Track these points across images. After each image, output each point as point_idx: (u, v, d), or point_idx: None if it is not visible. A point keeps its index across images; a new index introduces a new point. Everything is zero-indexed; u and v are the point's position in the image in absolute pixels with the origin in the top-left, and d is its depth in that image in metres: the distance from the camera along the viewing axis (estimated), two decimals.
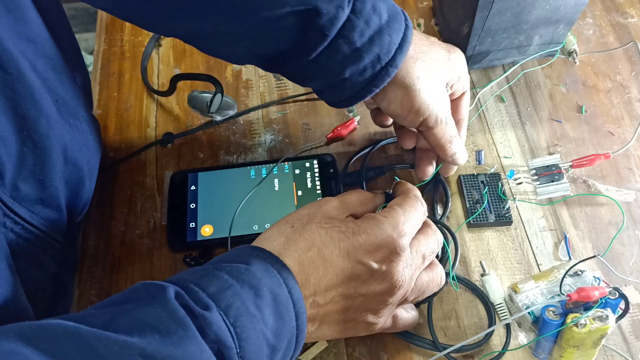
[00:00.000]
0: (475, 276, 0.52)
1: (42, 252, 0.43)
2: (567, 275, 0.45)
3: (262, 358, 0.35)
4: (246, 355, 0.33)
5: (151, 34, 0.69)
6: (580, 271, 0.46)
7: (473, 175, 0.56)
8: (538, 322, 0.45)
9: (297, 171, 0.57)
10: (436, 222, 0.48)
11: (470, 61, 0.63)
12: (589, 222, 0.54)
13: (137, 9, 0.45)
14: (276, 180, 0.57)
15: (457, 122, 0.52)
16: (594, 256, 0.51)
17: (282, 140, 0.61)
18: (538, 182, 0.56)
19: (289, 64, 0.47)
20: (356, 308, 0.42)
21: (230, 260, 0.38)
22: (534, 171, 0.56)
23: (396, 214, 0.43)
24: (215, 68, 0.67)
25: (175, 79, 0.60)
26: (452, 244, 0.50)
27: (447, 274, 0.47)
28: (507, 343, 0.48)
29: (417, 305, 0.49)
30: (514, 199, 0.56)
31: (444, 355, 0.47)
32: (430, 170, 0.55)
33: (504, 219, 0.54)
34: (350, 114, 0.62)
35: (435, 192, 0.56)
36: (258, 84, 0.66)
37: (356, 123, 0.61)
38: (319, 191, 0.56)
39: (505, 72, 0.64)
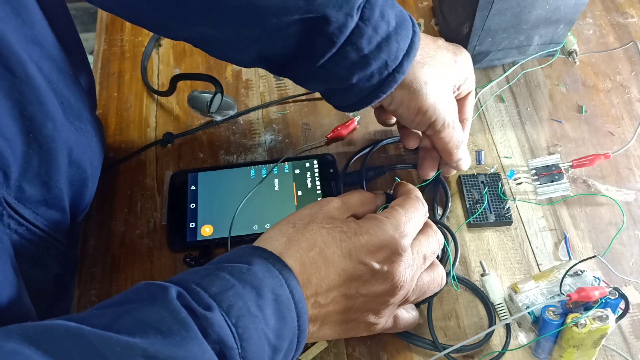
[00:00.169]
0: (475, 276, 0.52)
1: (45, 253, 0.44)
2: (567, 275, 0.45)
3: (263, 358, 0.35)
4: (248, 356, 0.33)
5: (151, 33, 0.69)
6: (580, 271, 0.46)
7: (473, 175, 0.56)
8: (538, 322, 0.45)
9: (297, 171, 0.57)
10: (436, 222, 0.48)
11: None
12: (589, 222, 0.54)
13: (148, 14, 0.45)
14: (276, 180, 0.57)
15: (462, 121, 0.53)
16: (594, 256, 0.51)
17: (282, 140, 0.61)
18: (538, 182, 0.56)
19: (297, 69, 0.47)
20: (357, 308, 0.42)
21: (231, 261, 0.38)
22: (534, 171, 0.56)
23: (398, 214, 0.43)
24: (215, 68, 0.67)
25: (175, 79, 0.60)
26: (452, 244, 0.50)
27: (447, 274, 0.47)
28: (507, 343, 0.48)
29: (417, 305, 0.49)
30: (514, 199, 0.56)
31: (444, 355, 0.47)
32: (433, 169, 0.55)
33: (504, 219, 0.54)
34: (350, 114, 0.62)
35: (435, 192, 0.56)
36: (258, 84, 0.66)
37: (356, 123, 0.61)
38: (319, 191, 0.56)
39: (505, 72, 0.64)
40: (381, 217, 0.43)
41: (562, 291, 0.45)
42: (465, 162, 0.53)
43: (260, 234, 0.42)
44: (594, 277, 0.45)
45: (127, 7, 0.45)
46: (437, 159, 0.55)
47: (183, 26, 0.45)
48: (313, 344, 0.48)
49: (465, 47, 0.60)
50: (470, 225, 0.54)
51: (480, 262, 0.51)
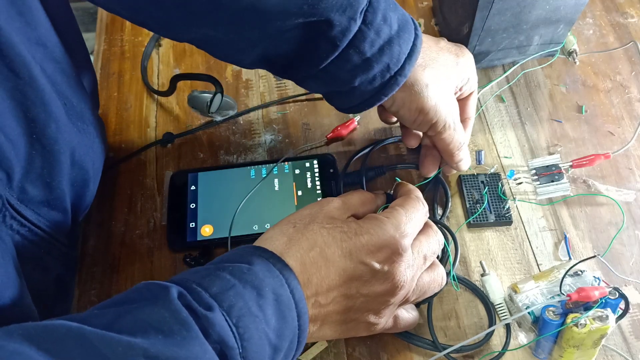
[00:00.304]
0: (475, 276, 0.52)
1: (47, 254, 0.44)
2: (567, 275, 0.45)
3: (264, 358, 0.35)
4: (248, 356, 0.33)
5: (151, 33, 0.69)
6: (580, 271, 0.46)
7: (473, 175, 0.56)
8: (538, 322, 0.45)
9: (297, 171, 0.57)
10: (436, 222, 0.48)
11: None
12: (589, 222, 0.54)
13: (151, 15, 0.45)
14: (276, 180, 0.57)
15: (464, 121, 0.53)
16: (594, 256, 0.51)
17: (282, 140, 0.61)
18: (538, 182, 0.56)
19: (299, 72, 0.47)
20: (358, 308, 0.42)
21: (232, 260, 0.38)
22: (534, 171, 0.56)
23: (398, 214, 0.43)
24: (215, 68, 0.67)
25: (175, 79, 0.60)
26: (452, 244, 0.50)
27: (448, 274, 0.47)
28: (507, 343, 0.48)
29: (417, 305, 0.49)
30: (514, 199, 0.56)
31: (444, 355, 0.47)
32: (434, 168, 0.55)
33: (504, 219, 0.54)
34: (351, 114, 0.62)
35: (435, 192, 0.56)
36: (258, 84, 0.66)
37: (356, 123, 0.61)
38: (319, 191, 0.56)
39: (505, 72, 0.64)
40: (382, 217, 0.43)
41: (562, 291, 0.45)
42: (465, 162, 0.53)
43: (261, 234, 0.42)
44: (594, 277, 0.45)
45: (131, 9, 0.45)
46: (438, 158, 0.55)
47: (186, 28, 0.45)
48: (313, 344, 0.48)
49: (465, 47, 0.60)
50: (470, 225, 0.54)
51: (480, 262, 0.51)
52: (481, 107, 0.62)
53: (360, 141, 0.61)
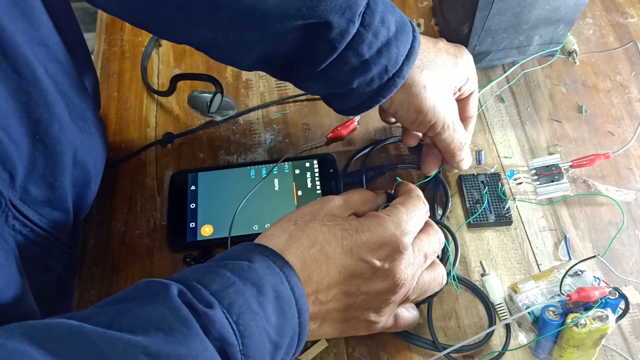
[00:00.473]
0: (475, 276, 0.52)
1: (48, 254, 0.44)
2: (567, 275, 0.45)
3: (264, 355, 0.35)
4: (249, 353, 0.34)
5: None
6: (580, 271, 0.46)
7: (473, 175, 0.56)
8: (538, 322, 0.45)
9: (297, 171, 0.57)
10: (436, 222, 0.48)
11: None
12: (589, 222, 0.54)
13: (151, 17, 0.45)
14: (276, 180, 0.57)
15: (465, 120, 0.53)
16: (594, 256, 0.51)
17: (282, 140, 0.61)
18: (538, 182, 0.56)
19: (298, 73, 0.48)
20: (358, 306, 0.42)
21: (232, 258, 0.38)
22: (534, 171, 0.56)
23: (399, 212, 0.43)
24: (215, 68, 0.67)
25: (175, 79, 0.60)
26: (452, 244, 0.50)
27: (448, 274, 0.47)
28: (507, 343, 0.48)
29: (418, 305, 0.49)
30: (514, 199, 0.56)
31: (444, 355, 0.47)
32: (436, 166, 0.55)
33: (504, 219, 0.54)
34: None
35: (435, 192, 0.56)
36: (258, 84, 0.66)
37: (356, 123, 0.61)
38: (319, 191, 0.56)
39: (505, 72, 0.64)
40: (382, 215, 0.43)
41: (562, 291, 0.45)
42: (466, 162, 0.53)
43: (260, 234, 0.42)
44: (594, 277, 0.45)
45: (130, 10, 0.45)
46: (439, 157, 0.55)
47: (185, 29, 0.45)
48: (313, 343, 0.48)
49: (465, 47, 0.60)
50: (470, 225, 0.54)
51: (480, 262, 0.51)
52: (481, 107, 0.62)
53: (360, 141, 0.61)
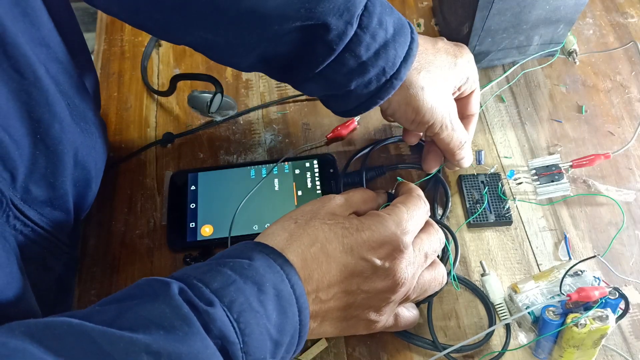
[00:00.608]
0: (475, 276, 0.52)
1: (49, 254, 0.44)
2: (567, 275, 0.45)
3: (265, 353, 0.35)
4: (250, 351, 0.34)
5: None
6: (580, 271, 0.46)
7: (473, 175, 0.56)
8: (538, 322, 0.45)
9: (297, 171, 0.57)
10: (436, 222, 0.48)
11: None
12: (589, 222, 0.54)
13: (151, 18, 0.45)
14: (276, 180, 0.57)
15: (467, 118, 0.53)
16: (594, 256, 0.51)
17: (282, 140, 0.61)
18: (538, 182, 0.56)
19: (296, 75, 0.48)
20: (358, 305, 0.42)
21: (233, 256, 0.38)
22: (534, 171, 0.56)
23: (400, 211, 0.43)
24: (215, 68, 0.67)
25: (175, 79, 0.60)
26: (452, 244, 0.50)
27: (448, 274, 0.47)
28: (507, 343, 0.48)
29: (418, 304, 0.49)
30: (514, 199, 0.56)
31: (444, 355, 0.47)
32: (437, 164, 0.55)
33: (504, 219, 0.54)
34: None
35: (435, 192, 0.56)
36: (258, 84, 0.66)
37: (356, 123, 0.61)
38: (319, 191, 0.56)
39: (505, 72, 0.64)
40: (383, 214, 0.43)
41: (562, 291, 0.45)
42: (467, 160, 0.53)
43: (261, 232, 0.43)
44: (594, 277, 0.45)
45: (130, 11, 0.45)
46: (440, 155, 0.55)
47: (185, 30, 0.45)
48: (313, 343, 0.48)
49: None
50: (470, 225, 0.54)
51: (480, 262, 0.51)
52: (481, 107, 0.62)
53: (360, 141, 0.61)
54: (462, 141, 0.51)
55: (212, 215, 0.55)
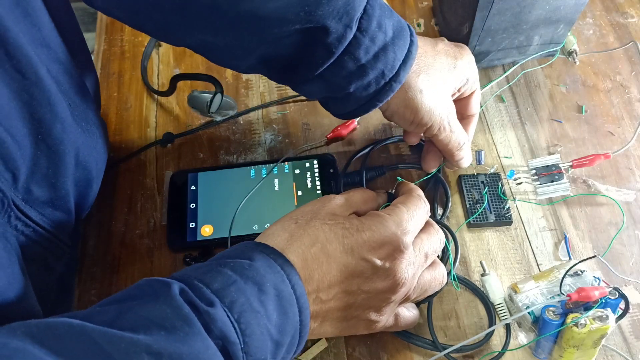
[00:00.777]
0: (475, 276, 0.52)
1: (50, 254, 0.44)
2: (567, 275, 0.45)
3: (266, 353, 0.35)
4: (250, 351, 0.34)
5: None
6: (580, 271, 0.46)
7: (473, 175, 0.56)
8: (538, 322, 0.45)
9: (297, 171, 0.57)
10: (436, 222, 0.48)
11: None
12: (589, 222, 0.54)
13: (150, 18, 0.45)
14: (276, 180, 0.57)
15: (467, 118, 0.53)
16: (594, 256, 0.51)
17: (282, 140, 0.61)
18: (538, 182, 0.56)
19: (295, 77, 0.48)
20: (359, 305, 0.42)
21: (233, 256, 0.38)
22: (534, 171, 0.56)
23: (400, 212, 0.43)
24: (215, 68, 0.67)
25: (175, 79, 0.60)
26: (452, 244, 0.50)
27: (448, 274, 0.47)
28: (507, 343, 0.48)
29: (418, 304, 0.49)
30: (514, 199, 0.56)
31: (444, 355, 0.47)
32: (436, 164, 0.55)
33: (504, 219, 0.54)
34: None
35: (435, 192, 0.56)
36: (258, 84, 0.66)
37: (356, 123, 0.61)
38: (319, 191, 0.56)
39: (505, 72, 0.64)
40: (383, 214, 0.43)
41: (562, 291, 0.45)
42: (466, 161, 0.53)
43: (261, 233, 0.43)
44: (594, 277, 0.45)
45: (130, 12, 0.45)
46: (439, 154, 0.55)
47: (184, 32, 0.45)
48: (313, 343, 0.48)
49: None
50: (470, 225, 0.54)
51: (480, 262, 0.51)
52: (481, 107, 0.62)
53: (360, 141, 0.61)
54: (461, 142, 0.51)
55: (212, 215, 0.55)
